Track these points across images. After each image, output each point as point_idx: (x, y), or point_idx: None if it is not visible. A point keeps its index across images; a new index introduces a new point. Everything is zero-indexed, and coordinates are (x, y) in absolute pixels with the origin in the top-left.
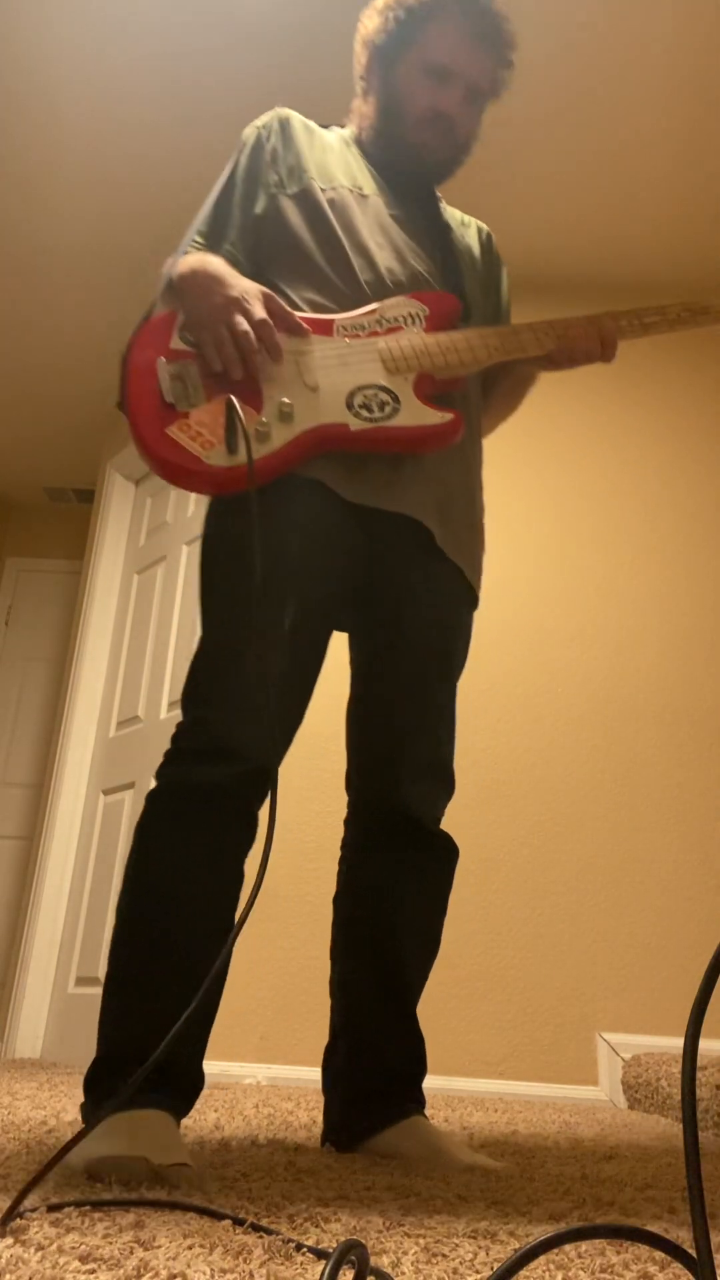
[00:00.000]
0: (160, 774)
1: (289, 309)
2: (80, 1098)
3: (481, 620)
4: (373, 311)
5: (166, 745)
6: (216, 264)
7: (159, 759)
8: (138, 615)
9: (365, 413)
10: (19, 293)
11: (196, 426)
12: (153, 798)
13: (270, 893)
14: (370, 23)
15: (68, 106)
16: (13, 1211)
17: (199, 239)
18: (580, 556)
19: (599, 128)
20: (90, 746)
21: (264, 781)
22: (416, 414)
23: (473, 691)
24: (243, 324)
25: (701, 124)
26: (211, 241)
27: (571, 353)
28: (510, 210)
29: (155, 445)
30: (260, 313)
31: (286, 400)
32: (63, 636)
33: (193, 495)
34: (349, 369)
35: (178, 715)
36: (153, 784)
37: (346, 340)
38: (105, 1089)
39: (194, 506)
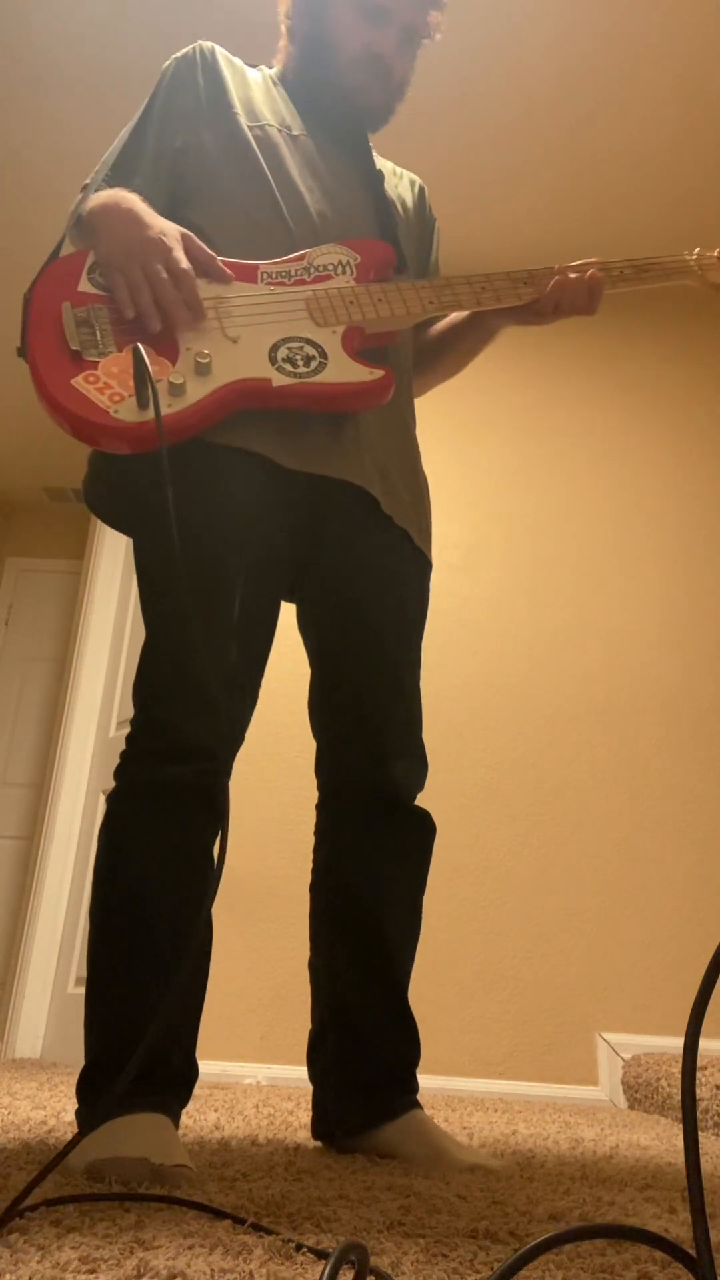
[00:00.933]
0: (121, 774)
1: (210, 252)
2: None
3: (482, 621)
4: (300, 257)
5: None
6: (133, 200)
7: None
8: (137, 615)
9: (289, 367)
10: (20, 294)
11: (105, 378)
12: (116, 798)
13: (269, 893)
14: None
15: (67, 107)
16: (10, 1214)
17: (111, 174)
18: (580, 556)
19: (596, 126)
20: (90, 746)
21: (226, 773)
22: (345, 369)
23: (473, 691)
24: (162, 270)
25: (699, 122)
26: (122, 176)
27: (557, 302)
28: (507, 209)
29: (59, 396)
30: (183, 260)
31: (204, 351)
32: (63, 636)
33: None
34: (273, 319)
35: None
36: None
37: (271, 288)
38: (98, 1093)
39: None
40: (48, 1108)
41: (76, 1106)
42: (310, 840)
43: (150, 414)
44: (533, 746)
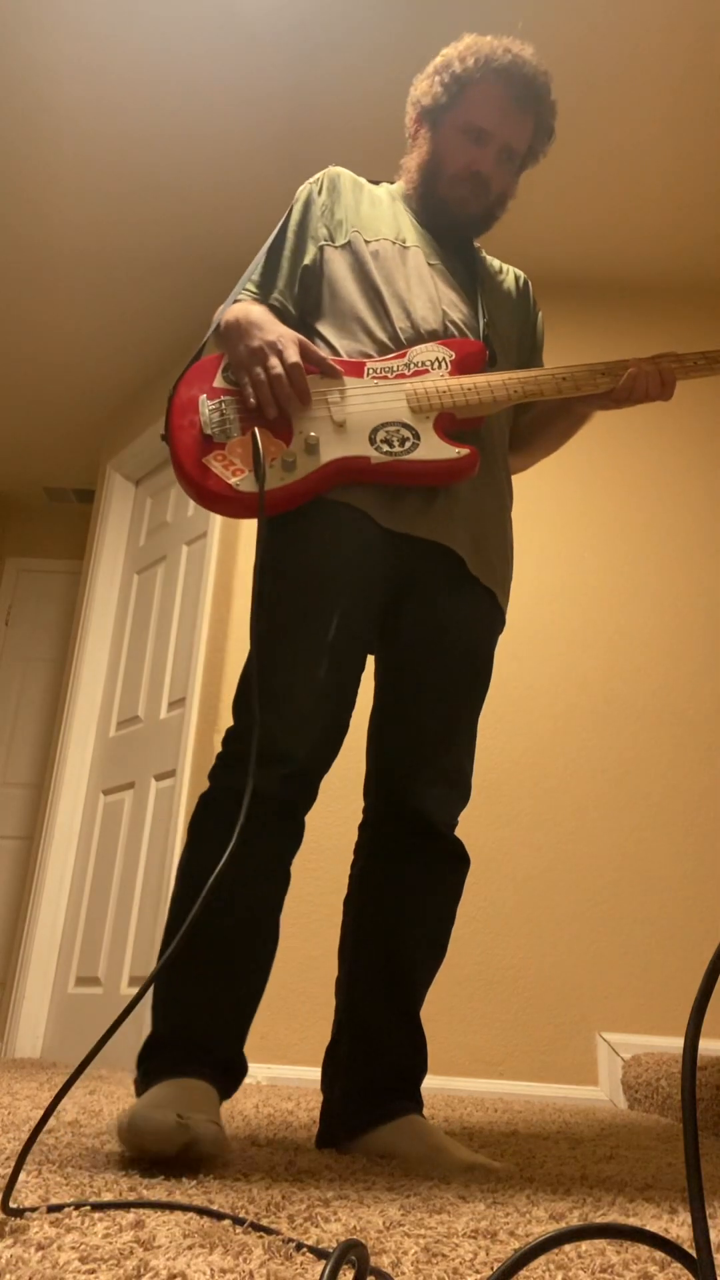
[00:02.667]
0: (211, 777)
1: (322, 354)
2: (81, 1097)
3: None
4: (402, 355)
5: (167, 745)
6: (258, 311)
7: (159, 759)
8: (138, 615)
9: (386, 447)
10: (20, 295)
11: (230, 456)
12: (204, 801)
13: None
14: (420, 86)
15: (68, 114)
16: (8, 1196)
17: (250, 288)
18: (581, 558)
19: (599, 129)
20: (90, 746)
21: (310, 787)
22: (434, 449)
23: None
24: (276, 366)
25: (701, 124)
26: (262, 291)
27: (632, 391)
28: (511, 212)
29: (192, 472)
30: (293, 356)
31: (313, 434)
32: (63, 636)
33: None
34: (375, 407)
35: (178, 715)
36: (162, 779)
37: (376, 381)
38: (153, 1064)
39: (194, 508)
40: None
41: (88, 1100)
42: (313, 843)
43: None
44: (533, 747)
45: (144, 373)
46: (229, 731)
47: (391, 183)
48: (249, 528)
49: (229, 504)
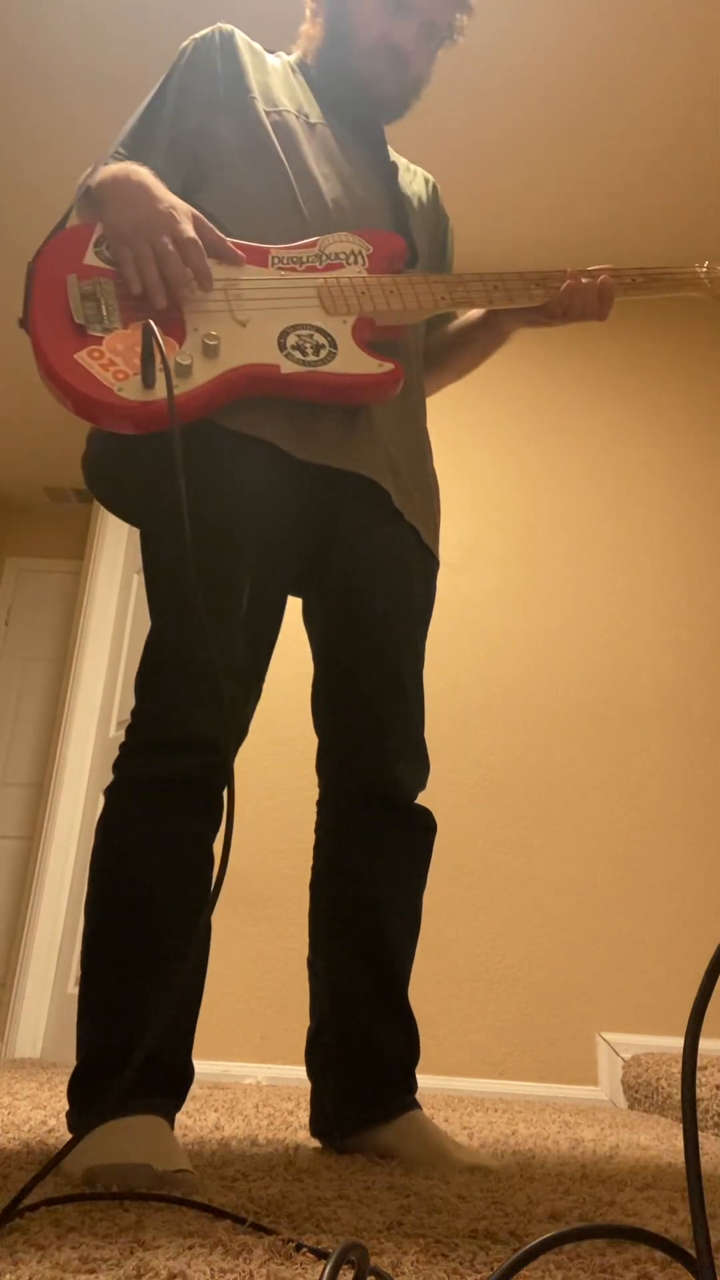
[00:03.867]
0: (119, 767)
1: (220, 234)
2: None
3: (483, 622)
4: (312, 244)
5: None
6: (144, 174)
7: None
8: (138, 615)
9: (298, 354)
10: (21, 296)
11: (110, 354)
12: (114, 792)
13: (268, 893)
14: None
15: (68, 109)
16: (10, 1214)
17: (122, 150)
18: (582, 557)
19: (597, 121)
20: (90, 746)
21: (228, 766)
22: (354, 361)
23: (474, 691)
24: (170, 244)
25: (700, 115)
26: (136, 155)
27: (569, 307)
28: (509, 203)
29: (62, 371)
30: (190, 232)
31: (213, 333)
32: (63, 636)
33: None
34: (283, 305)
35: None
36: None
37: (282, 273)
38: (91, 1095)
39: None
40: (48, 1108)
41: (67, 1108)
42: (307, 841)
43: (154, 394)
44: (533, 746)
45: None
46: (137, 714)
47: (288, 53)
48: None
49: (110, 413)
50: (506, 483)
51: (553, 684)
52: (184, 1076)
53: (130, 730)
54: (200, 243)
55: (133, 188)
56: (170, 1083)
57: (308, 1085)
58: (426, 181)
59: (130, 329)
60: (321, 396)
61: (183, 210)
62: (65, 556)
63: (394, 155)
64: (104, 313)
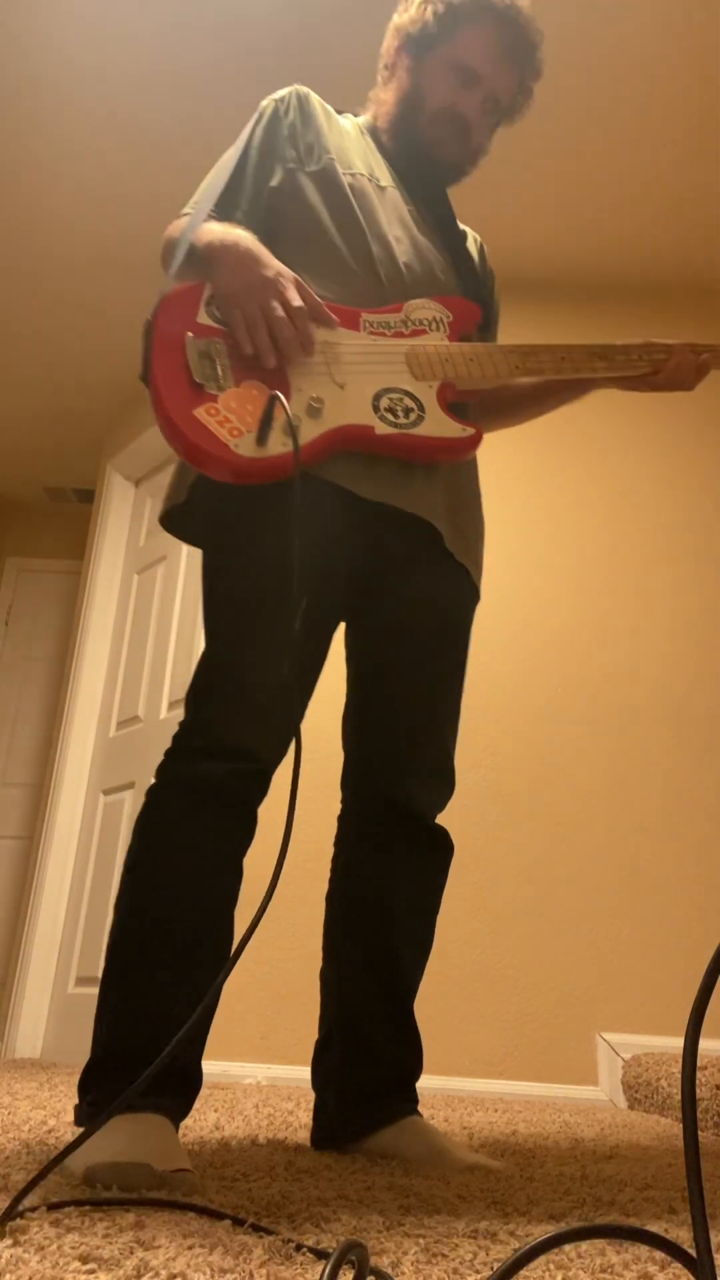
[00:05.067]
0: (161, 770)
1: (317, 299)
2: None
3: (484, 622)
4: (398, 309)
5: (167, 745)
6: (249, 239)
7: (159, 759)
8: (138, 615)
9: (390, 417)
10: (21, 297)
11: (225, 411)
12: (153, 793)
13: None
14: (406, 13)
15: (69, 117)
16: (10, 1214)
17: (213, 210)
18: (582, 558)
19: (598, 125)
20: (90, 746)
21: (265, 781)
22: (440, 425)
23: (475, 692)
24: (279, 309)
25: (701, 121)
26: (222, 211)
27: (670, 379)
28: (509, 208)
29: (183, 427)
30: (297, 300)
31: (318, 396)
32: (63, 636)
33: None
34: (376, 369)
35: (178, 715)
36: (152, 780)
37: (373, 338)
38: (102, 1091)
39: None
40: (48, 1108)
41: (76, 1101)
42: (310, 840)
43: (266, 451)
44: (534, 747)
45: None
46: (184, 724)
47: (355, 115)
48: None
49: (221, 466)
50: (505, 483)
51: (553, 684)
52: (193, 1080)
53: (175, 738)
54: (305, 310)
55: (241, 253)
56: (179, 1085)
57: (308, 1085)
58: (475, 241)
59: (242, 387)
60: (407, 456)
61: (288, 277)
62: (65, 556)
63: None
64: (219, 372)
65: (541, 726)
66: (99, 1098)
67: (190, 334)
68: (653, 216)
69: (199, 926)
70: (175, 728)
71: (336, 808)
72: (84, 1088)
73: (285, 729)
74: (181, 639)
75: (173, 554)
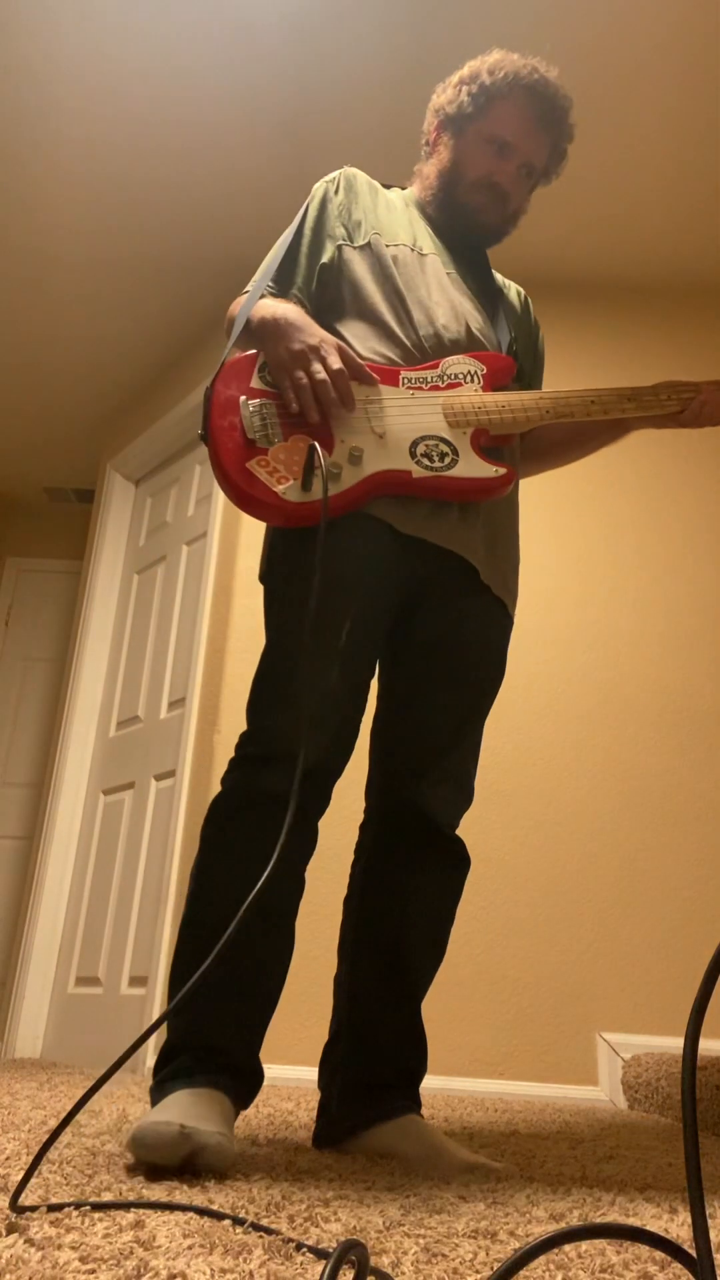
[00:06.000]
0: (225, 780)
1: (359, 361)
2: (79, 1097)
3: None
4: (435, 365)
5: (167, 745)
6: (296, 312)
7: (159, 759)
8: (138, 615)
9: (426, 461)
10: (21, 298)
11: (274, 463)
12: (217, 803)
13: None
14: (443, 95)
15: (70, 119)
16: (19, 1193)
17: (271, 285)
18: (583, 558)
19: (600, 128)
20: (90, 746)
21: (322, 789)
22: (473, 466)
23: None
24: (320, 372)
25: (701, 122)
26: (280, 287)
27: (699, 416)
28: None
29: (236, 477)
30: (336, 363)
31: (358, 446)
32: (63, 636)
33: (192, 496)
34: (413, 419)
35: (178, 715)
36: (164, 780)
37: (412, 391)
38: (168, 1073)
39: (194, 507)
40: (48, 1108)
41: (78, 1098)
42: (319, 844)
43: (309, 496)
44: (534, 747)
45: (144, 373)
46: (244, 734)
47: (402, 188)
48: (249, 527)
49: (271, 511)
50: None
51: (553, 684)
52: (252, 1073)
53: (237, 746)
54: (345, 371)
55: (288, 324)
56: (237, 1074)
57: (308, 1085)
58: (519, 294)
59: (290, 441)
60: (445, 496)
61: (331, 343)
62: (65, 556)
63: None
64: (269, 429)
65: (542, 726)
66: (165, 1077)
67: (244, 396)
68: (667, 222)
69: (264, 936)
70: (175, 727)
71: (345, 812)
72: (156, 1069)
73: (343, 738)
74: (181, 639)
75: (172, 554)
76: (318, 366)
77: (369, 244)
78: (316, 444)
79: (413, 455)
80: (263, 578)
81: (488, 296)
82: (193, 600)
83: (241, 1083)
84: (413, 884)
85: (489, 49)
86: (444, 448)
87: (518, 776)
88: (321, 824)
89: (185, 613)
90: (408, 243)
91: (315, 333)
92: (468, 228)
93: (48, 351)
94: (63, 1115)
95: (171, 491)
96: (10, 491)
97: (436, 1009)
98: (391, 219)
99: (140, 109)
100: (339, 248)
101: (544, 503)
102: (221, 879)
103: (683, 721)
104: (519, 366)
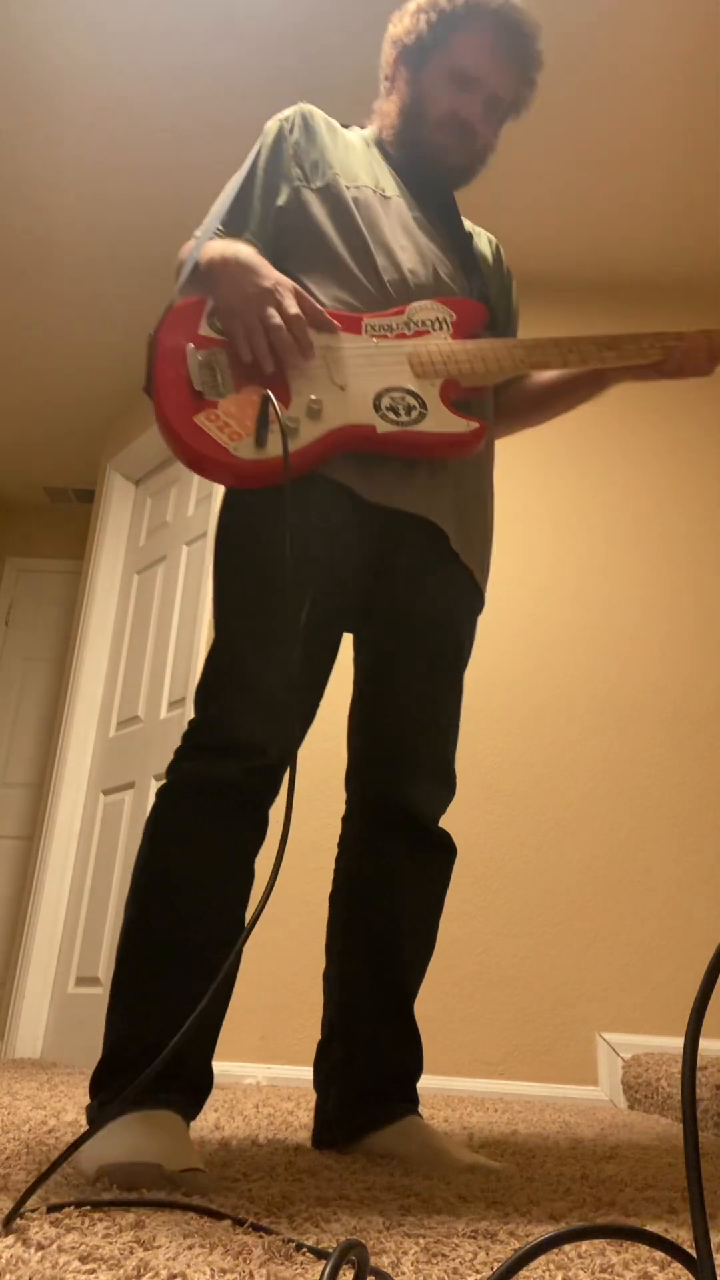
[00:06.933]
0: (171, 769)
1: (318, 306)
2: (81, 1098)
3: (485, 622)
4: (401, 312)
5: (167, 745)
6: (248, 252)
7: (159, 759)
8: (138, 615)
9: (392, 415)
10: (21, 297)
11: (224, 417)
12: (163, 792)
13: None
14: (400, 24)
15: (70, 117)
16: (15, 1214)
17: (221, 227)
18: (582, 558)
19: (597, 126)
20: (90, 746)
21: (276, 778)
22: (442, 420)
23: (474, 692)
24: (276, 317)
25: (701, 120)
26: (232, 230)
27: (682, 365)
28: (508, 208)
29: (184, 433)
30: (294, 307)
31: (316, 398)
32: (63, 636)
33: (192, 496)
34: (377, 370)
35: (178, 715)
36: (163, 780)
37: (375, 340)
38: (112, 1089)
39: (194, 507)
40: (48, 1108)
41: (86, 1103)
42: (311, 841)
43: (265, 453)
44: (533, 746)
45: (144, 373)
46: (194, 722)
47: (362, 127)
48: None
49: (223, 470)
50: (504, 483)
51: (553, 684)
52: (203, 1083)
53: (185, 736)
54: (303, 316)
55: (239, 266)
56: (188, 1084)
57: (308, 1085)
58: (490, 242)
59: (242, 393)
60: (411, 453)
61: (286, 285)
62: (65, 556)
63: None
64: (219, 380)
65: (541, 726)
66: (109, 1098)
67: (191, 345)
68: (655, 217)
69: (211, 928)
70: (175, 727)
71: (338, 807)
72: (95, 1087)
73: (301, 726)
74: (181, 639)
75: (172, 554)
76: (272, 311)
77: (328, 185)
78: (270, 394)
79: (377, 408)
80: (215, 554)
81: (456, 241)
82: (193, 600)
83: (193, 1096)
84: (398, 879)
85: None
86: (411, 400)
87: (518, 776)
88: (321, 823)
89: (185, 613)
90: (369, 184)
91: (270, 275)
92: (433, 168)
93: (48, 352)
94: (62, 1115)
95: (171, 491)
96: (10, 491)
97: (436, 1009)
98: (351, 159)
99: (140, 111)
100: (296, 189)
101: (545, 502)
102: (181, 878)
103: (683, 721)
104: (493, 316)
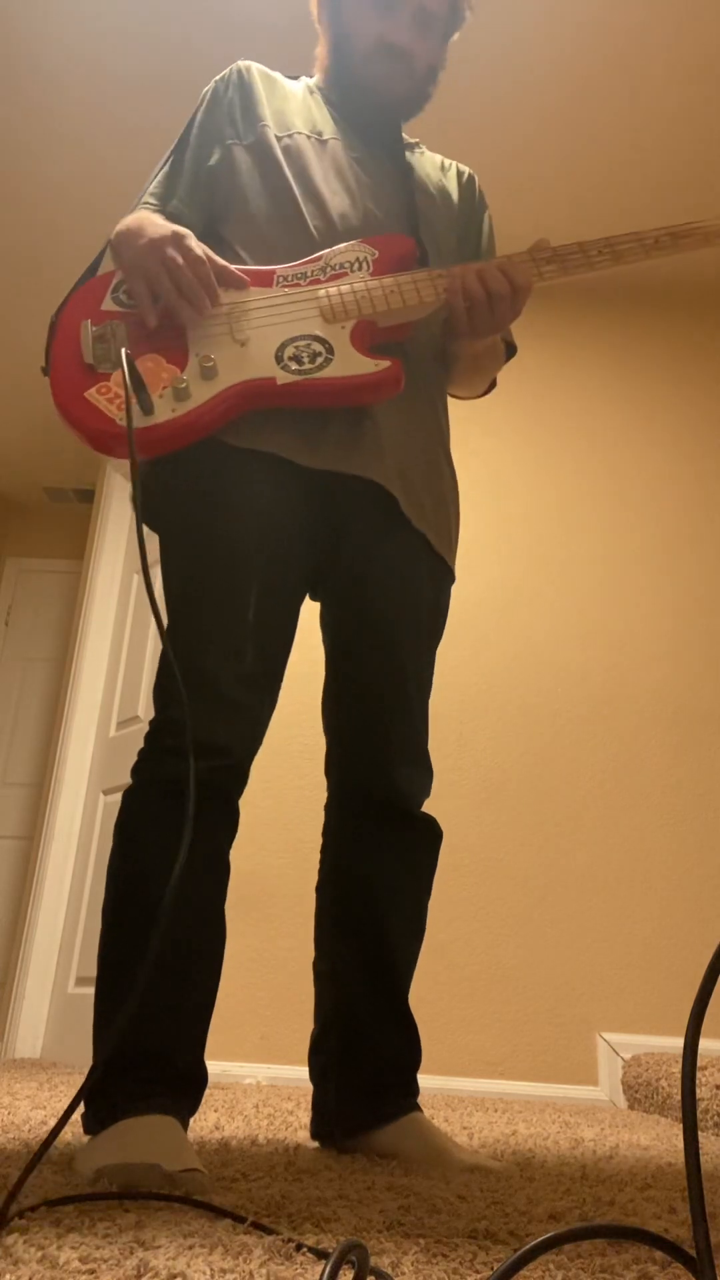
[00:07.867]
0: (135, 771)
1: (223, 261)
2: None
3: (484, 621)
4: (316, 259)
5: None
6: (149, 215)
7: None
8: (138, 615)
9: (295, 365)
10: (21, 296)
11: (115, 388)
12: (129, 795)
13: (269, 893)
14: None
15: (65, 113)
16: (6, 1206)
17: (150, 199)
18: (581, 557)
19: (600, 122)
20: (90, 746)
21: (243, 773)
22: (350, 363)
23: (474, 691)
24: (178, 258)
25: (702, 116)
26: (161, 200)
27: (475, 325)
28: (510, 204)
29: (70, 408)
30: (195, 246)
31: (210, 356)
32: (63, 636)
33: None
34: (283, 320)
35: None
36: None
37: (285, 290)
38: (107, 1098)
39: None
40: (48, 1108)
41: (81, 1110)
42: (311, 840)
43: (155, 419)
44: (533, 746)
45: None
46: (155, 723)
47: (311, 75)
48: None
49: (115, 442)
50: (507, 484)
51: (553, 684)
52: (195, 1079)
53: (147, 737)
54: (204, 259)
55: (138, 225)
56: (181, 1084)
57: (308, 1085)
58: (460, 174)
59: (138, 362)
60: (322, 402)
61: (185, 233)
62: (65, 556)
63: (427, 154)
64: (110, 351)
65: (541, 726)
66: (103, 1104)
67: (87, 320)
68: (655, 214)
69: (190, 926)
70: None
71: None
72: (92, 1095)
73: (263, 719)
74: None
75: None
76: (173, 252)
77: (258, 139)
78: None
79: (279, 360)
80: (150, 521)
81: (400, 176)
82: None
83: (189, 1098)
84: (383, 866)
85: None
86: (316, 346)
87: (517, 777)
88: (315, 814)
89: None
90: (305, 130)
91: (167, 225)
92: (376, 105)
93: None
94: (61, 1115)
95: None
96: (10, 491)
97: (436, 1008)
98: (288, 108)
99: (144, 107)
100: (228, 148)
101: (546, 501)
102: (151, 873)
103: (683, 721)
104: (424, 248)
